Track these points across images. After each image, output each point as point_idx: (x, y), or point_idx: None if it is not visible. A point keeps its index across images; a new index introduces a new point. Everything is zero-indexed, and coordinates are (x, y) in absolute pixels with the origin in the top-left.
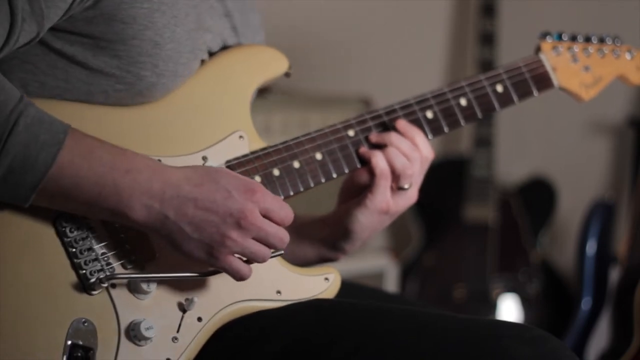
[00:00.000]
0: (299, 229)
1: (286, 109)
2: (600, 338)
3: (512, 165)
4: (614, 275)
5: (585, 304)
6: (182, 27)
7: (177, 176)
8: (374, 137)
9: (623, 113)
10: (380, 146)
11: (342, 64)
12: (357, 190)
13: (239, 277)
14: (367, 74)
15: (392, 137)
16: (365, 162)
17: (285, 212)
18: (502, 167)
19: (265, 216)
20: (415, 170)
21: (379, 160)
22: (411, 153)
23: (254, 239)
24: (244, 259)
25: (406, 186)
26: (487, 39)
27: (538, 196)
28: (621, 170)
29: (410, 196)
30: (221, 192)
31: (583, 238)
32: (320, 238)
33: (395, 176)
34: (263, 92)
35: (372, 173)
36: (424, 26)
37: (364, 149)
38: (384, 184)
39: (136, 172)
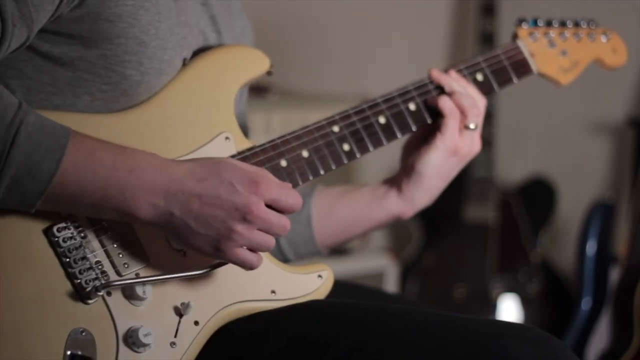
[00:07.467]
0: (369, 194)
1: (286, 109)
2: (600, 338)
3: (512, 165)
4: (614, 275)
5: (585, 304)
6: (166, 22)
7: (180, 171)
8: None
9: (623, 113)
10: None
11: (342, 64)
12: (420, 143)
13: (249, 267)
14: (367, 73)
15: (456, 84)
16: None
17: (292, 199)
18: (502, 167)
19: (271, 206)
20: (480, 112)
21: (446, 101)
22: (475, 94)
23: (258, 229)
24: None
25: (472, 126)
26: (487, 39)
27: (538, 196)
28: (621, 170)
29: (475, 141)
30: (225, 186)
31: (583, 238)
32: (388, 195)
33: (463, 115)
34: (263, 92)
35: (434, 126)
36: (424, 26)
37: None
38: (452, 123)
39: (139, 171)
